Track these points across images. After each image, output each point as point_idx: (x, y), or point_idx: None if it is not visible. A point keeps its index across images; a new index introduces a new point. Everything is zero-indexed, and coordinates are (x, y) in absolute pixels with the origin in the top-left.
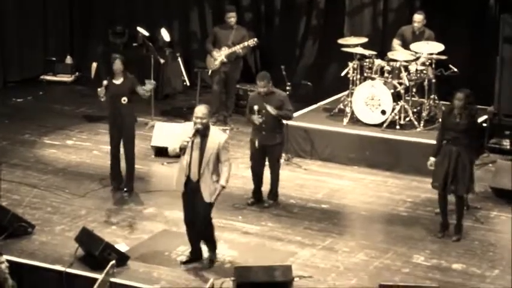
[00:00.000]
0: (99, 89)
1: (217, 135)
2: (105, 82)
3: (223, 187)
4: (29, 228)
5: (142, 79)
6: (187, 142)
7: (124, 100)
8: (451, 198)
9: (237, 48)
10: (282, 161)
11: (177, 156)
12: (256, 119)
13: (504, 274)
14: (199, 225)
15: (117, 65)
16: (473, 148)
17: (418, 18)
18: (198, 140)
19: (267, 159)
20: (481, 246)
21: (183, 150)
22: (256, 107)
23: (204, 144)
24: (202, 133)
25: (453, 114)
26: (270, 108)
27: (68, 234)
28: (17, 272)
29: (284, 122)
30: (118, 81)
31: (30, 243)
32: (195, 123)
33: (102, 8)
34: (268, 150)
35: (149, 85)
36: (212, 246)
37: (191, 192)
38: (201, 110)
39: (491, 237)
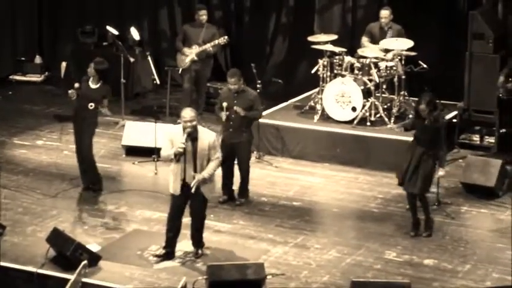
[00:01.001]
0: (69, 91)
1: (206, 135)
2: (76, 85)
3: (204, 178)
4: (0, 229)
5: (113, 78)
6: (182, 148)
7: (91, 106)
8: None
9: (208, 46)
10: (253, 158)
11: (149, 156)
12: (223, 115)
13: (475, 269)
14: (196, 222)
15: (89, 68)
16: (440, 157)
17: (385, 13)
18: (189, 143)
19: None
20: (452, 242)
21: (177, 156)
22: (225, 104)
23: (196, 147)
24: (193, 136)
25: (421, 117)
26: (238, 109)
27: (39, 234)
28: None
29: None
30: (94, 85)
31: (1, 244)
32: (186, 127)
33: (71, 7)
34: (235, 148)
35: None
36: (201, 239)
37: (187, 193)
38: (188, 113)
39: (462, 232)
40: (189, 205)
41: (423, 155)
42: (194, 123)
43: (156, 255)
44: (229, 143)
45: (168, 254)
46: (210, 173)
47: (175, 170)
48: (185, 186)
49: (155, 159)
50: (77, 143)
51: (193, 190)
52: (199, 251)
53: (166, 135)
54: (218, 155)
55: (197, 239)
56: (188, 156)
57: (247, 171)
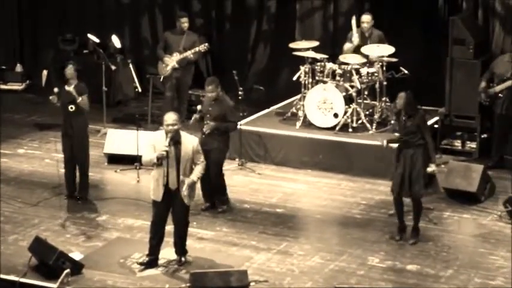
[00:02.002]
0: (50, 97)
1: (189, 139)
2: (55, 89)
3: (194, 182)
4: None
5: (94, 86)
6: (165, 152)
7: (71, 108)
8: (406, 200)
9: (188, 53)
10: (235, 165)
11: (131, 164)
12: (193, 118)
13: (458, 274)
14: (179, 229)
15: (70, 70)
16: (429, 148)
17: (366, 18)
18: (172, 147)
19: None
20: (434, 247)
21: (160, 160)
22: (199, 107)
23: (179, 152)
24: (176, 140)
25: (401, 118)
26: (205, 129)
27: (21, 243)
28: None
29: (237, 127)
30: (70, 87)
31: None
32: (168, 131)
33: (52, 15)
34: (207, 154)
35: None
36: (184, 246)
37: (169, 200)
38: (171, 117)
39: (445, 237)
40: (171, 212)
41: (413, 157)
42: (176, 127)
43: (140, 263)
44: (203, 149)
45: (152, 261)
46: (198, 176)
47: (157, 176)
48: (168, 191)
49: (137, 167)
50: (69, 152)
51: (185, 193)
52: (183, 259)
53: (148, 141)
54: (202, 158)
55: (180, 247)
56: (171, 160)
57: (217, 178)
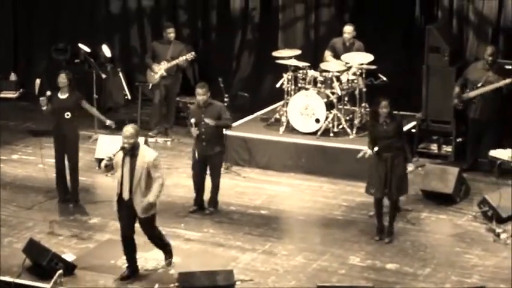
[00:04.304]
0: (41, 98)
1: (146, 153)
2: (48, 93)
3: (150, 203)
4: None
5: (85, 94)
6: (110, 159)
7: (67, 115)
8: (385, 201)
9: (175, 62)
10: (222, 169)
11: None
12: (193, 131)
13: (435, 272)
14: (150, 240)
15: (61, 78)
16: (406, 151)
17: (348, 29)
18: (128, 159)
19: (208, 168)
20: (412, 247)
21: (108, 167)
22: (193, 120)
23: (134, 163)
24: (130, 152)
25: (380, 123)
26: (208, 120)
27: (15, 245)
28: None
29: (224, 131)
30: (63, 95)
31: None
32: (122, 143)
33: (44, 25)
34: (208, 160)
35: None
36: (167, 250)
37: (126, 209)
38: (128, 130)
39: (422, 237)
40: (127, 224)
41: (394, 160)
42: (132, 140)
43: (123, 278)
44: (203, 155)
45: (132, 272)
46: (156, 195)
47: (115, 186)
48: (122, 201)
49: (107, 175)
50: (60, 157)
51: (141, 216)
52: (167, 259)
53: (108, 152)
54: (159, 174)
55: (162, 251)
56: (125, 171)
57: (219, 181)
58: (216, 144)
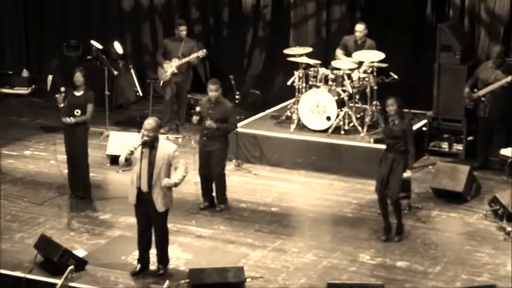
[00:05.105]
0: (56, 95)
1: (166, 146)
2: (62, 88)
3: (171, 183)
4: None
5: (98, 91)
6: (132, 152)
7: (77, 112)
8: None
9: (187, 59)
10: (232, 166)
11: (126, 166)
12: (195, 118)
13: (445, 270)
14: (156, 237)
15: (78, 76)
16: (408, 156)
17: (360, 28)
18: (147, 151)
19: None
20: (423, 245)
21: (128, 160)
22: (198, 108)
23: (154, 156)
24: (150, 145)
25: (389, 122)
26: (208, 124)
27: (27, 241)
28: None
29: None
30: (78, 93)
31: None
32: (143, 135)
33: (56, 22)
34: (210, 155)
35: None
36: (164, 260)
37: (144, 203)
38: (149, 122)
39: (433, 235)
40: (145, 219)
41: (394, 161)
42: (152, 133)
43: (134, 273)
44: (205, 151)
45: (143, 268)
46: (180, 179)
47: (131, 179)
48: (141, 194)
49: (118, 171)
50: (71, 154)
51: (160, 210)
52: (161, 270)
53: (129, 144)
54: (182, 162)
55: (159, 255)
56: (144, 164)
57: (221, 177)
58: (217, 141)
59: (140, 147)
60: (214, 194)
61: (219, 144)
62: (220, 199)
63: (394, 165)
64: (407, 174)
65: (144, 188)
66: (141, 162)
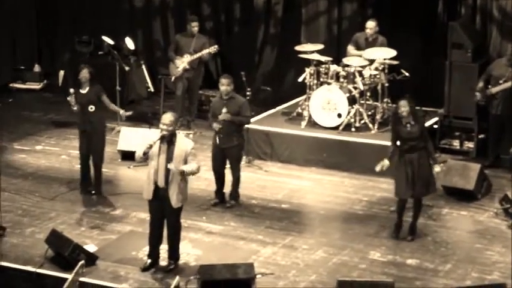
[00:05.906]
0: (68, 98)
1: (184, 142)
2: (71, 90)
3: (182, 170)
4: (0, 230)
5: (109, 86)
6: (150, 146)
7: (91, 108)
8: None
9: (198, 55)
10: (242, 163)
11: (143, 160)
12: (215, 126)
13: (456, 268)
14: (169, 232)
15: (83, 74)
16: (431, 152)
17: (371, 25)
18: (165, 147)
19: (228, 162)
20: (433, 242)
21: (146, 155)
22: (215, 125)
23: (172, 151)
24: (168, 140)
25: (403, 124)
26: (224, 116)
27: (38, 236)
28: None
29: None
30: (84, 90)
31: (2, 245)
32: (161, 130)
33: (68, 17)
34: (227, 152)
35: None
36: (175, 255)
37: (160, 199)
38: (168, 117)
39: (443, 233)
40: (158, 215)
41: (419, 160)
42: (171, 128)
43: (144, 269)
44: (221, 148)
45: (153, 263)
46: (190, 169)
47: (148, 174)
48: (157, 190)
49: (130, 167)
50: (85, 150)
51: (175, 206)
52: (171, 265)
53: (145, 139)
54: (196, 161)
55: (170, 251)
56: (161, 159)
57: (239, 174)
58: (233, 137)
59: (159, 141)
60: (225, 190)
61: (236, 140)
62: (234, 195)
63: (420, 164)
64: (438, 168)
65: (161, 183)
66: (159, 157)
